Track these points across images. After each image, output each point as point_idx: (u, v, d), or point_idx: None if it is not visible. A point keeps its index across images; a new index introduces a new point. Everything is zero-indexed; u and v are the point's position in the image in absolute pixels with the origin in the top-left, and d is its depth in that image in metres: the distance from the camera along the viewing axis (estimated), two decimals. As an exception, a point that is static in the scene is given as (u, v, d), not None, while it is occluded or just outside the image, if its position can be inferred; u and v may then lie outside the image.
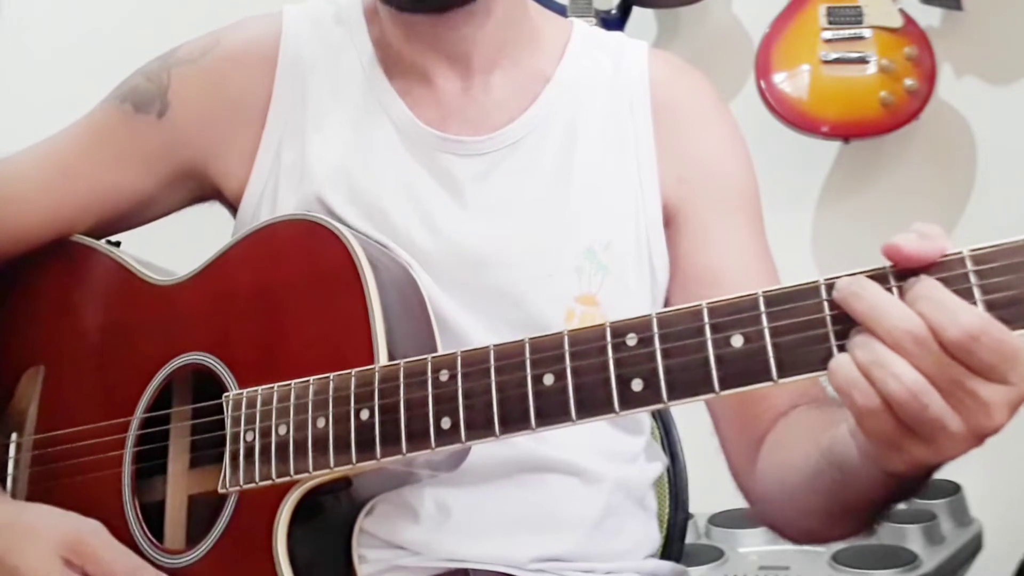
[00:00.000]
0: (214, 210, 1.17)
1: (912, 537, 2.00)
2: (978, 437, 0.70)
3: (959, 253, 0.70)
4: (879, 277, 0.71)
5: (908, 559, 1.93)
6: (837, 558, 1.94)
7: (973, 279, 0.69)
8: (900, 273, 0.71)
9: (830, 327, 0.72)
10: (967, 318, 0.67)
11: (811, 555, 1.96)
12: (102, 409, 1.04)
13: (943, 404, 0.68)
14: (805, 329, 0.72)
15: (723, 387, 0.74)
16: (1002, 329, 0.67)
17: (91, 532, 0.95)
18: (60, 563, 0.93)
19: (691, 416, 1.11)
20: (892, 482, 0.78)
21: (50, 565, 0.93)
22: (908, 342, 0.68)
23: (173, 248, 1.13)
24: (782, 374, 0.73)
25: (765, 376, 0.73)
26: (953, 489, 2.13)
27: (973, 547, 2.08)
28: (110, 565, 0.93)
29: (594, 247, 1.05)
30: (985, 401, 0.68)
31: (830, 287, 0.72)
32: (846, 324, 0.71)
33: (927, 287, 0.69)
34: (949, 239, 0.71)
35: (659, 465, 1.15)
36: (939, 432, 0.69)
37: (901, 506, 2.18)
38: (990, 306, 0.68)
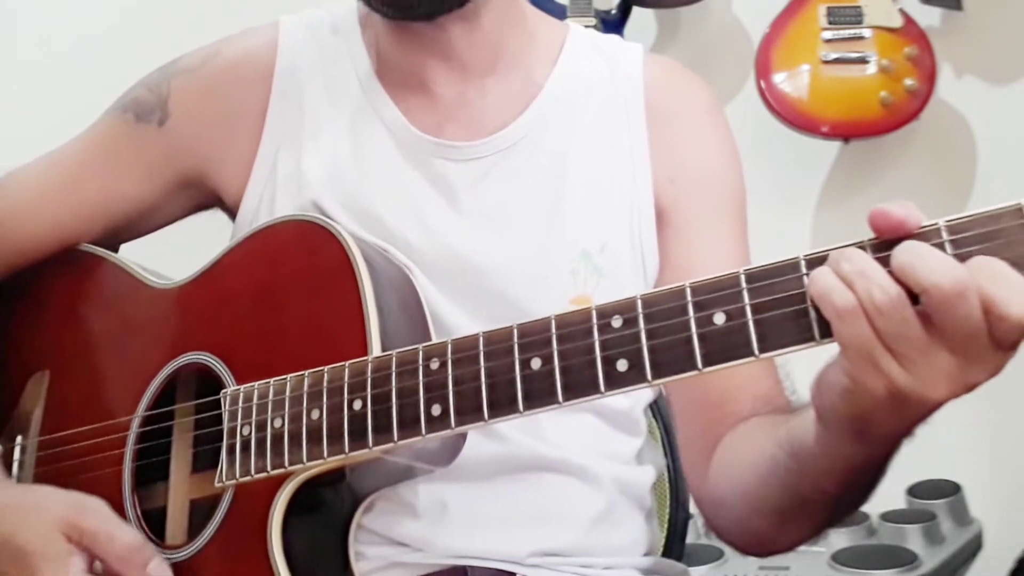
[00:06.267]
0: (212, 218, 1.18)
1: (912, 537, 2.01)
2: (965, 385, 0.70)
3: (935, 224, 0.71)
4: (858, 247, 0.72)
5: (908, 559, 1.93)
6: (837, 558, 1.94)
7: (949, 248, 0.70)
8: (877, 245, 0.72)
9: (810, 302, 0.72)
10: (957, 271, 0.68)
11: (811, 555, 1.96)
12: (105, 410, 1.05)
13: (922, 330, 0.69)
14: (786, 305, 0.73)
15: (706, 363, 0.75)
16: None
17: (92, 509, 0.95)
18: (61, 539, 0.93)
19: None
20: (848, 466, 0.79)
21: (51, 543, 0.93)
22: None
23: (171, 256, 1.14)
24: (764, 348, 0.73)
25: (747, 351, 0.74)
26: (953, 489, 2.14)
27: (973, 547, 2.08)
28: (109, 542, 0.93)
29: (589, 249, 1.05)
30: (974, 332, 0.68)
31: (810, 263, 0.73)
32: None
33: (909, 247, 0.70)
34: None
35: (657, 468, 1.16)
36: (919, 356, 0.69)
37: (900, 506, 2.18)
38: None
